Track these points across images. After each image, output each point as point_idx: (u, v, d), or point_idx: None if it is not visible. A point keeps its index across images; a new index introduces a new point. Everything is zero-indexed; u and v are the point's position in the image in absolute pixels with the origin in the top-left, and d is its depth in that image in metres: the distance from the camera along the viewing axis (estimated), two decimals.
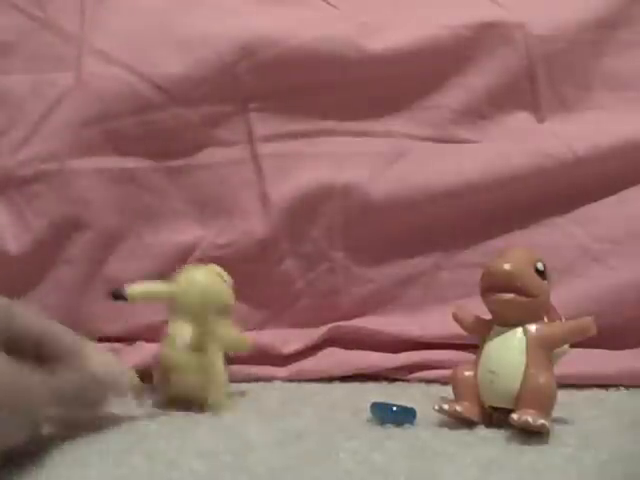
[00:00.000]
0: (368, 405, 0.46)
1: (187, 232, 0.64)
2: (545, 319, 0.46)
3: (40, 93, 0.64)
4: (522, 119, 0.67)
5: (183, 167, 0.65)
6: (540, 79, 0.67)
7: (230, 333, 0.52)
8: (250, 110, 0.65)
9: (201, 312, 0.49)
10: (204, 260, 0.64)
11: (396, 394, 0.54)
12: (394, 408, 0.45)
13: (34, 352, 0.41)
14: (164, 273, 0.64)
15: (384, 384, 0.60)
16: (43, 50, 0.64)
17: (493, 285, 0.45)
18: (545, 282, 0.45)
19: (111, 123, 0.63)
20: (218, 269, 0.52)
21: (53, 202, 0.63)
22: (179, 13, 0.65)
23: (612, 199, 0.66)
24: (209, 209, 0.65)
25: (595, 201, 0.66)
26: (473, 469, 0.37)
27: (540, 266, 0.45)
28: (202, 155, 0.65)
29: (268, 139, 0.65)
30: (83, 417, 0.44)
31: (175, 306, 0.51)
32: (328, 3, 0.68)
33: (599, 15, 0.68)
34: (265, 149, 0.65)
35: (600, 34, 0.68)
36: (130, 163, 0.64)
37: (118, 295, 0.48)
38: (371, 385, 0.59)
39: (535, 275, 0.44)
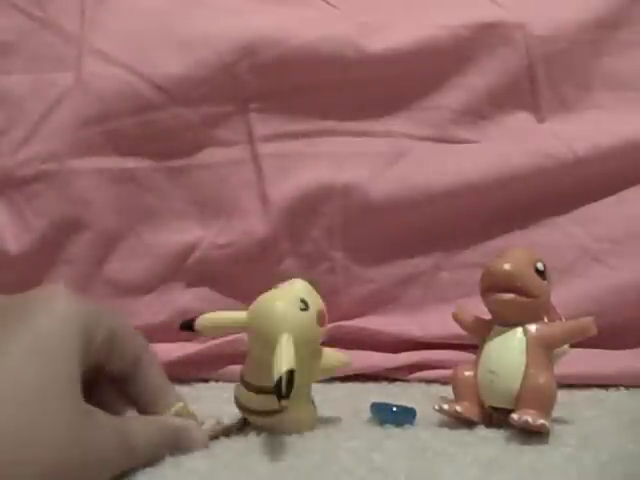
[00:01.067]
0: (368, 405, 0.46)
1: (187, 232, 0.64)
2: (545, 319, 0.46)
3: (40, 93, 0.64)
4: (522, 119, 0.67)
5: (183, 167, 0.65)
6: (540, 79, 0.67)
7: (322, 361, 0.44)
8: (250, 110, 0.65)
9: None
10: (203, 261, 0.64)
11: (396, 394, 0.54)
12: (394, 408, 0.45)
13: (119, 381, 0.38)
14: (164, 273, 0.65)
15: (384, 384, 0.60)
16: (43, 50, 0.64)
17: (493, 285, 0.45)
18: (545, 282, 0.45)
19: (111, 123, 0.63)
20: (303, 290, 0.43)
21: (53, 202, 0.63)
22: (179, 13, 0.65)
23: (612, 199, 0.66)
24: (209, 209, 0.65)
25: (595, 201, 0.66)
26: (473, 469, 0.37)
27: (540, 266, 0.45)
28: (202, 155, 0.65)
29: (268, 139, 0.65)
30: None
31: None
32: (328, 3, 0.68)
33: (599, 15, 0.68)
34: (265, 149, 0.65)
35: (600, 34, 0.68)
36: (130, 163, 0.64)
37: (187, 327, 0.44)
38: (371, 385, 0.59)
39: (535, 275, 0.44)
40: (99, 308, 0.37)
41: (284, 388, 0.37)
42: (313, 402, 0.44)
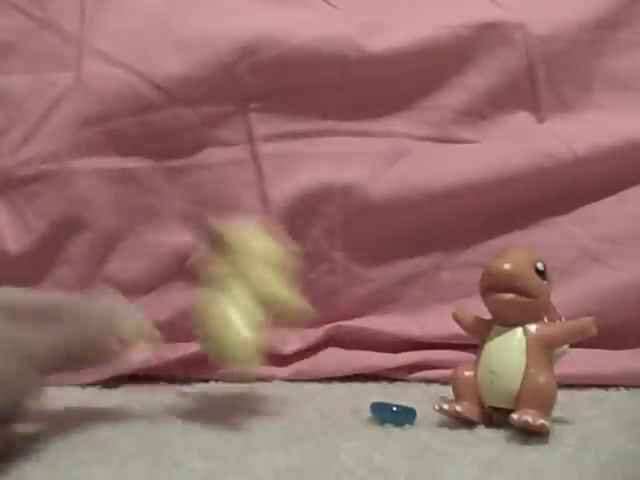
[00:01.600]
0: (368, 405, 0.46)
1: (187, 232, 0.64)
2: (545, 319, 0.46)
3: (40, 93, 0.64)
4: (522, 119, 0.67)
5: (183, 167, 0.65)
6: (540, 79, 0.67)
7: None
8: (250, 110, 0.65)
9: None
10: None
11: (396, 394, 0.54)
12: (394, 408, 0.45)
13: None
14: (164, 273, 0.65)
15: (384, 384, 0.60)
16: (43, 50, 0.64)
17: (493, 285, 0.45)
18: (545, 282, 0.45)
19: (111, 123, 0.63)
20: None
21: (53, 202, 0.63)
22: (179, 13, 0.65)
23: (612, 199, 0.66)
24: (209, 209, 0.65)
25: (595, 201, 0.66)
26: (473, 469, 0.37)
27: (540, 266, 0.45)
28: (202, 155, 0.65)
29: (268, 139, 0.65)
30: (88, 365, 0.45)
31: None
32: (328, 3, 0.68)
33: (599, 15, 0.68)
34: (265, 149, 0.65)
35: (600, 34, 0.68)
36: (130, 163, 0.64)
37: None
38: (371, 385, 0.59)
39: (535, 275, 0.44)
40: None
41: None
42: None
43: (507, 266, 0.44)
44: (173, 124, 0.64)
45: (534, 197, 0.65)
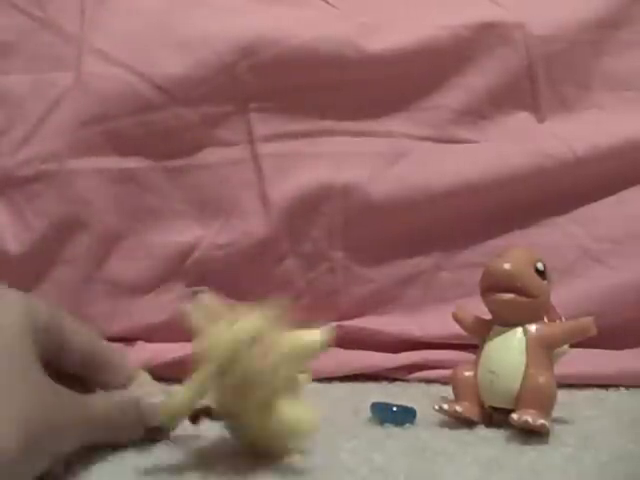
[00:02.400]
0: (368, 405, 0.46)
1: (187, 232, 0.64)
2: (545, 319, 0.46)
3: (40, 93, 0.64)
4: (522, 119, 0.67)
5: (183, 167, 0.65)
6: (540, 79, 0.67)
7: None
8: (250, 110, 0.65)
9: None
10: (203, 261, 0.64)
11: (396, 394, 0.54)
12: (394, 408, 0.45)
13: (79, 369, 0.39)
14: (164, 273, 0.65)
15: (384, 384, 0.60)
16: (43, 50, 0.64)
17: (493, 285, 0.45)
18: (545, 282, 0.45)
19: (111, 123, 0.63)
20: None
21: (53, 202, 0.63)
22: (179, 13, 0.65)
23: (612, 199, 0.66)
24: (209, 209, 0.65)
25: (595, 201, 0.66)
26: (473, 469, 0.37)
27: (540, 266, 0.45)
28: (202, 155, 0.65)
29: (268, 139, 0.65)
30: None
31: None
32: (328, 3, 0.68)
33: (599, 15, 0.68)
34: (265, 149, 0.65)
35: (600, 34, 0.68)
36: (130, 163, 0.64)
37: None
38: (371, 385, 0.59)
39: (535, 275, 0.44)
40: (32, 296, 0.38)
41: None
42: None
43: (507, 266, 0.44)
44: (173, 124, 0.64)
45: (534, 197, 0.65)
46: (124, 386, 0.40)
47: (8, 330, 0.34)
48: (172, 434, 0.41)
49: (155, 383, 0.42)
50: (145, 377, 0.42)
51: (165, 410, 0.37)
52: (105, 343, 0.41)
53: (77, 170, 0.63)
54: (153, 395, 0.40)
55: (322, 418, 0.46)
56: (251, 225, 0.64)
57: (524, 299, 0.44)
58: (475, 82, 0.67)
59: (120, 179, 0.64)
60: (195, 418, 0.40)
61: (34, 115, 0.63)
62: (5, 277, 0.62)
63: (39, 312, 0.36)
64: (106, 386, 0.40)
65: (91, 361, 0.39)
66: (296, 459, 0.38)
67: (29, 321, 0.35)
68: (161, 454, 0.39)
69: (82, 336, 0.39)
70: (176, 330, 0.63)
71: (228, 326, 0.36)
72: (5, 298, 0.35)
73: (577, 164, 0.64)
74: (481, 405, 0.45)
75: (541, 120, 0.68)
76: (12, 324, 0.34)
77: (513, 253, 0.45)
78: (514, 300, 0.44)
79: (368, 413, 0.46)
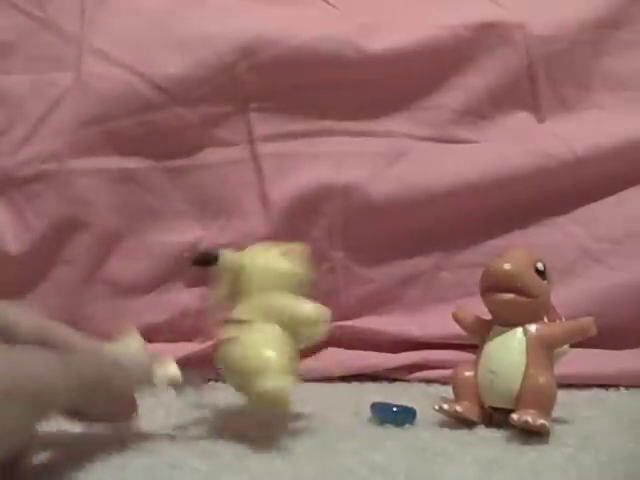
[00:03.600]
0: (368, 405, 0.46)
1: (187, 232, 0.64)
2: (545, 319, 0.46)
3: (40, 93, 0.64)
4: (522, 119, 0.68)
5: (183, 167, 0.65)
6: (540, 79, 0.67)
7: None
8: (250, 110, 0.65)
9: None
10: None
11: (396, 394, 0.54)
12: (394, 408, 0.45)
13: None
14: (164, 273, 0.65)
15: (384, 384, 0.60)
16: (43, 50, 0.64)
17: (493, 285, 0.45)
18: (545, 282, 0.45)
19: (111, 123, 0.63)
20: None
21: (53, 202, 0.63)
22: (179, 13, 0.65)
23: (612, 199, 0.66)
24: (209, 209, 0.65)
25: (595, 201, 0.66)
26: (473, 469, 0.37)
27: (540, 266, 0.45)
28: (202, 155, 0.65)
29: (268, 139, 0.65)
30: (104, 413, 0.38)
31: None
32: (328, 3, 0.68)
33: (599, 15, 0.68)
34: (265, 149, 0.65)
35: (600, 34, 0.68)
36: (130, 163, 0.64)
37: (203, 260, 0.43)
38: (371, 385, 0.59)
39: (535, 275, 0.44)
40: None
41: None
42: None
43: (507, 266, 0.44)
44: (173, 124, 0.64)
45: (534, 197, 0.65)
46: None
47: None
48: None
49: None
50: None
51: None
52: (58, 325, 0.39)
53: (77, 170, 0.63)
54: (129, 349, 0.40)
55: (322, 418, 0.46)
56: (251, 225, 0.64)
57: (524, 299, 0.44)
58: (475, 82, 0.67)
59: (120, 179, 0.64)
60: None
61: (34, 115, 0.63)
62: (5, 277, 0.63)
63: None
64: None
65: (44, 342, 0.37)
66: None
67: None
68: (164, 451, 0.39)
69: (29, 320, 0.37)
70: (176, 330, 0.63)
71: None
72: None
73: (577, 164, 0.64)
74: (481, 405, 0.45)
75: (541, 120, 0.68)
76: None
77: (513, 253, 0.45)
78: (514, 300, 0.44)
79: (368, 413, 0.46)
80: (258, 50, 0.64)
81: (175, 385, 0.41)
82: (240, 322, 0.41)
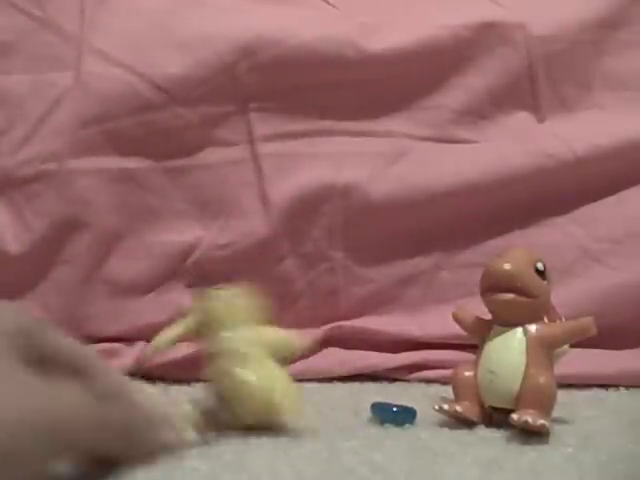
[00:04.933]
0: (368, 405, 0.46)
1: (187, 232, 0.64)
2: (545, 319, 0.46)
3: (40, 93, 0.64)
4: (522, 119, 0.68)
5: (183, 167, 0.65)
6: (540, 79, 0.67)
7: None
8: (250, 110, 0.65)
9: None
10: (203, 261, 0.64)
11: (396, 394, 0.54)
12: (394, 408, 0.45)
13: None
14: (164, 273, 0.65)
15: (384, 384, 0.60)
16: (43, 50, 0.64)
17: (493, 285, 0.45)
18: (545, 282, 0.45)
19: (111, 123, 0.63)
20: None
21: (53, 202, 0.63)
22: (179, 13, 0.65)
23: (612, 199, 0.66)
24: (209, 209, 0.65)
25: (595, 201, 0.66)
26: (473, 469, 0.37)
27: (540, 266, 0.45)
28: (202, 155, 0.65)
29: (268, 139, 0.65)
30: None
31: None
32: (328, 3, 0.68)
33: (600, 15, 0.68)
34: (265, 149, 0.65)
35: (600, 34, 0.68)
36: (130, 163, 0.64)
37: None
38: (371, 385, 0.59)
39: (535, 275, 0.44)
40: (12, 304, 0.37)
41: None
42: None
43: (507, 266, 0.44)
44: (173, 124, 0.64)
45: (534, 197, 0.65)
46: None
47: None
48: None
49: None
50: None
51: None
52: (91, 350, 0.39)
53: (77, 170, 0.63)
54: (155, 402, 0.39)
55: (322, 418, 0.46)
56: (251, 225, 0.64)
57: (524, 299, 0.44)
58: (475, 82, 0.67)
59: (120, 179, 0.64)
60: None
61: (34, 115, 0.63)
62: (5, 277, 0.63)
63: (15, 316, 0.35)
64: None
65: (78, 368, 0.36)
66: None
67: (4, 325, 0.33)
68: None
69: (66, 343, 0.37)
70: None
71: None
72: None
73: (577, 164, 0.64)
74: (481, 405, 0.45)
75: (541, 120, 0.68)
76: None
77: (513, 253, 0.45)
78: (514, 300, 0.44)
79: (368, 413, 0.46)
80: (258, 50, 0.63)
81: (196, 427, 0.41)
82: (237, 353, 0.43)
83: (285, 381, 0.43)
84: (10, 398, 0.30)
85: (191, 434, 0.40)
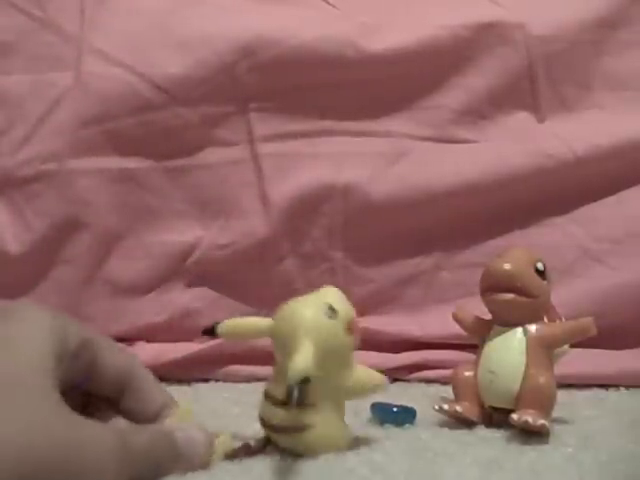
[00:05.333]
0: (368, 405, 0.46)
1: (187, 232, 0.64)
2: (545, 319, 0.46)
3: (40, 93, 0.64)
4: (522, 119, 0.68)
5: (183, 167, 0.65)
6: (540, 79, 0.67)
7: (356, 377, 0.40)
8: (250, 110, 0.65)
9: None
10: (203, 261, 0.64)
11: (396, 394, 0.54)
12: (394, 408, 0.45)
13: (111, 393, 0.37)
14: (164, 273, 0.65)
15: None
16: (43, 50, 0.64)
17: (493, 285, 0.45)
18: (545, 282, 0.45)
19: (111, 123, 0.63)
20: (332, 297, 0.39)
21: (53, 202, 0.63)
22: (179, 13, 0.65)
23: (612, 199, 0.66)
24: (209, 209, 0.65)
25: (595, 201, 0.66)
26: (473, 469, 0.37)
27: (540, 266, 0.45)
28: (202, 155, 0.65)
29: (268, 139, 0.65)
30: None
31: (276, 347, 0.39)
32: (328, 3, 0.68)
33: (599, 15, 0.68)
34: (265, 149, 0.65)
35: (600, 34, 0.68)
36: (130, 163, 0.64)
37: (208, 332, 0.40)
38: None
39: (535, 275, 0.44)
40: (67, 318, 0.36)
41: (295, 393, 0.34)
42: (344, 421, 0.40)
43: (507, 266, 0.44)
44: (173, 124, 0.64)
45: (534, 197, 0.65)
46: (155, 415, 0.38)
47: (25, 358, 0.31)
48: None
49: (191, 418, 0.39)
50: (183, 412, 0.38)
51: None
52: (142, 368, 0.38)
53: (77, 170, 0.63)
54: (189, 429, 0.37)
55: None
56: (251, 225, 0.64)
57: (524, 299, 0.44)
58: (475, 82, 0.67)
59: (120, 179, 0.64)
60: (234, 456, 0.38)
61: (34, 115, 0.63)
62: (5, 277, 0.63)
63: (69, 335, 0.34)
64: (136, 414, 0.37)
65: (123, 386, 0.37)
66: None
67: (55, 347, 0.33)
68: None
69: (116, 360, 0.37)
70: (176, 330, 0.63)
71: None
72: (32, 321, 0.33)
73: (577, 164, 0.64)
74: (481, 405, 0.45)
75: (541, 120, 0.68)
76: (34, 350, 0.32)
77: (513, 253, 0.45)
78: (514, 300, 0.44)
79: (368, 413, 0.46)
80: (258, 50, 0.63)
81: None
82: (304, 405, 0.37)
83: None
84: (35, 434, 0.29)
85: (220, 459, 0.38)
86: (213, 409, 0.49)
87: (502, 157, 0.65)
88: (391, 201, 0.64)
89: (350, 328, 0.38)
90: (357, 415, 0.47)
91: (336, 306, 0.38)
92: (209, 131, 0.65)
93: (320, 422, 0.38)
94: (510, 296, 0.44)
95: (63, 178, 0.63)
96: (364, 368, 0.41)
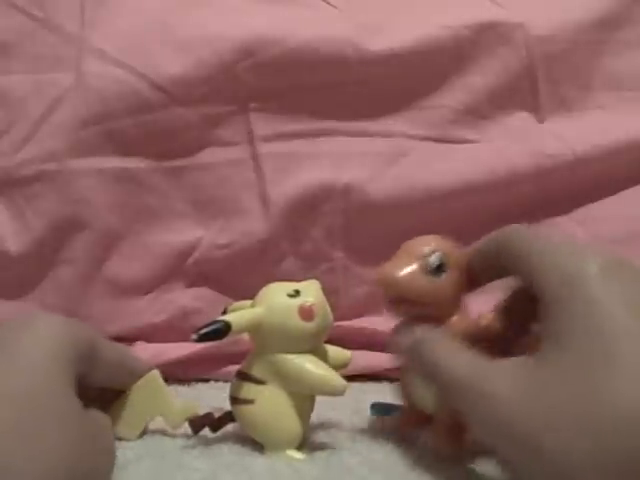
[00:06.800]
0: (368, 405, 0.46)
1: (187, 232, 0.64)
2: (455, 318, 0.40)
3: (40, 93, 0.64)
4: (522, 119, 0.68)
5: (183, 167, 0.65)
6: (540, 79, 0.67)
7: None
8: (250, 110, 0.65)
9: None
10: (203, 261, 0.64)
11: (396, 394, 0.54)
12: (394, 408, 0.45)
13: (106, 383, 0.40)
14: (164, 273, 0.65)
15: (384, 384, 0.60)
16: (43, 50, 0.64)
17: (386, 295, 0.39)
18: (442, 276, 0.39)
19: (111, 123, 0.63)
20: (307, 286, 0.42)
21: (53, 202, 0.63)
22: (179, 13, 0.65)
23: (612, 199, 0.66)
24: (209, 209, 0.65)
25: (595, 201, 0.66)
26: (473, 469, 0.37)
27: (433, 260, 0.39)
28: (202, 155, 0.65)
29: (268, 139, 0.65)
30: None
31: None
32: (328, 3, 0.68)
33: (599, 15, 0.68)
34: (265, 149, 0.65)
35: (600, 34, 0.68)
36: (130, 163, 0.64)
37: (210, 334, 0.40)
38: (371, 385, 0.59)
39: (422, 278, 0.38)
40: (76, 321, 0.38)
41: (208, 329, 0.38)
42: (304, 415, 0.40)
43: (388, 275, 0.39)
44: (173, 124, 0.64)
45: (534, 197, 0.65)
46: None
47: (44, 367, 0.33)
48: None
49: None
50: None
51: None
52: (131, 354, 0.42)
53: (77, 170, 0.63)
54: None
55: (322, 418, 0.46)
56: (251, 225, 0.64)
57: (418, 309, 0.39)
58: (475, 82, 0.67)
59: (120, 179, 0.64)
60: (217, 427, 0.42)
61: (34, 115, 0.63)
62: (5, 277, 0.63)
63: (79, 341, 0.36)
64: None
65: (118, 375, 0.40)
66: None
67: (70, 354, 0.35)
68: None
69: (112, 352, 0.40)
70: (176, 330, 0.63)
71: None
72: (43, 328, 0.35)
73: (577, 164, 0.64)
74: None
75: (541, 120, 0.68)
76: (51, 358, 0.33)
77: (399, 254, 0.40)
78: (409, 311, 0.39)
79: (368, 413, 0.46)
80: (258, 50, 0.63)
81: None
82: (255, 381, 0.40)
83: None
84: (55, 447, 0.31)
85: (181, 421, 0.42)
86: (213, 409, 0.49)
87: (502, 157, 0.65)
88: (391, 201, 0.64)
89: (303, 312, 0.39)
90: (357, 415, 0.47)
91: (304, 292, 0.40)
92: (209, 131, 0.65)
93: (262, 400, 0.39)
94: (403, 307, 0.39)
95: (63, 178, 0.63)
96: (331, 348, 0.43)
